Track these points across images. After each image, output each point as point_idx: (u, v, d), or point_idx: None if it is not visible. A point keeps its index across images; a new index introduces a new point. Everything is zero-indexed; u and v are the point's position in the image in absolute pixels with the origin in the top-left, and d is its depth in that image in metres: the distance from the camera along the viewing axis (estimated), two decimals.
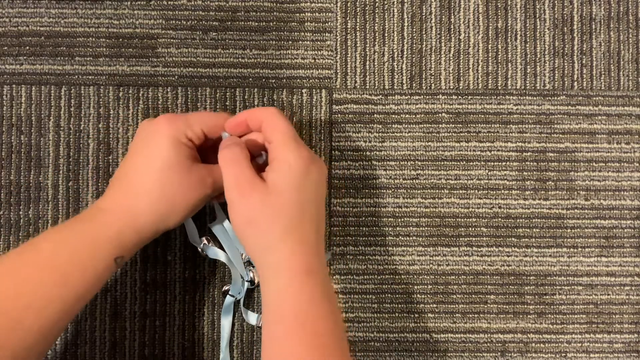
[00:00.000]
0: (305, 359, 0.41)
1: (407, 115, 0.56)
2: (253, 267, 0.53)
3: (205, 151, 0.49)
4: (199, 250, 0.53)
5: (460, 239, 0.56)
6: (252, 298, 0.55)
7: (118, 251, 0.44)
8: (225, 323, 0.53)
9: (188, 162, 0.45)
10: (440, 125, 0.56)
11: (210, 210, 0.54)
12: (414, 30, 0.56)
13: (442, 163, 0.56)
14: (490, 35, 0.57)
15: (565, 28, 0.57)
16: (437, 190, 0.56)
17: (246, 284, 0.53)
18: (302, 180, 0.43)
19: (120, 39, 0.55)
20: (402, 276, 0.55)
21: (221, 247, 0.53)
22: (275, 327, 0.42)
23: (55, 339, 0.44)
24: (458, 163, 0.56)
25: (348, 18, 0.56)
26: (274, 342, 0.42)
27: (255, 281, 0.53)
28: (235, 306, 0.54)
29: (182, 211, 0.46)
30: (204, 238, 0.53)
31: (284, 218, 0.42)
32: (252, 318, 0.54)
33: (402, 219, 0.55)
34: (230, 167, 0.44)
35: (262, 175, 0.44)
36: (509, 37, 0.57)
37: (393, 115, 0.56)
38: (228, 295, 0.53)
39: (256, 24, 0.56)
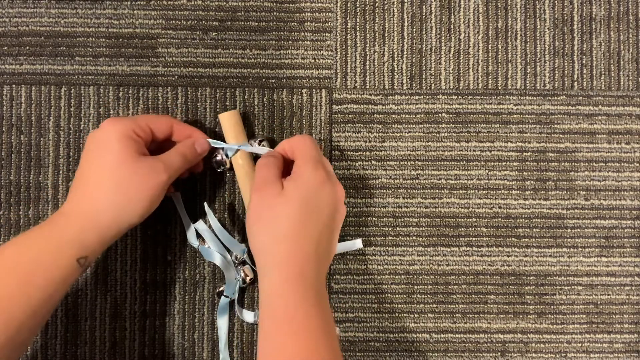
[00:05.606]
0: (295, 353, 0.42)
1: (407, 115, 0.56)
2: (244, 265, 0.53)
3: (153, 152, 0.50)
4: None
5: (460, 239, 0.55)
6: (249, 298, 0.55)
7: (80, 252, 0.45)
8: (222, 323, 0.54)
9: (136, 155, 0.46)
10: (440, 125, 0.56)
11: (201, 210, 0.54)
12: (414, 30, 0.56)
13: (442, 163, 0.56)
14: (490, 35, 0.57)
15: (565, 28, 0.57)
16: (437, 190, 0.56)
17: (239, 283, 0.53)
18: (310, 193, 0.46)
19: (120, 39, 0.55)
20: (402, 276, 0.55)
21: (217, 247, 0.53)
22: (268, 322, 0.44)
23: (24, 343, 0.44)
24: (458, 163, 0.56)
25: (348, 18, 0.56)
26: (266, 337, 0.44)
27: (247, 280, 0.53)
28: (231, 306, 0.54)
29: (140, 203, 0.46)
30: (200, 239, 0.54)
31: (286, 219, 0.46)
32: (248, 316, 0.54)
33: (402, 219, 0.55)
34: (260, 171, 0.48)
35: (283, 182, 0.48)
36: (509, 37, 0.57)
37: (393, 115, 0.56)
38: (223, 296, 0.53)
39: (256, 24, 0.56)
